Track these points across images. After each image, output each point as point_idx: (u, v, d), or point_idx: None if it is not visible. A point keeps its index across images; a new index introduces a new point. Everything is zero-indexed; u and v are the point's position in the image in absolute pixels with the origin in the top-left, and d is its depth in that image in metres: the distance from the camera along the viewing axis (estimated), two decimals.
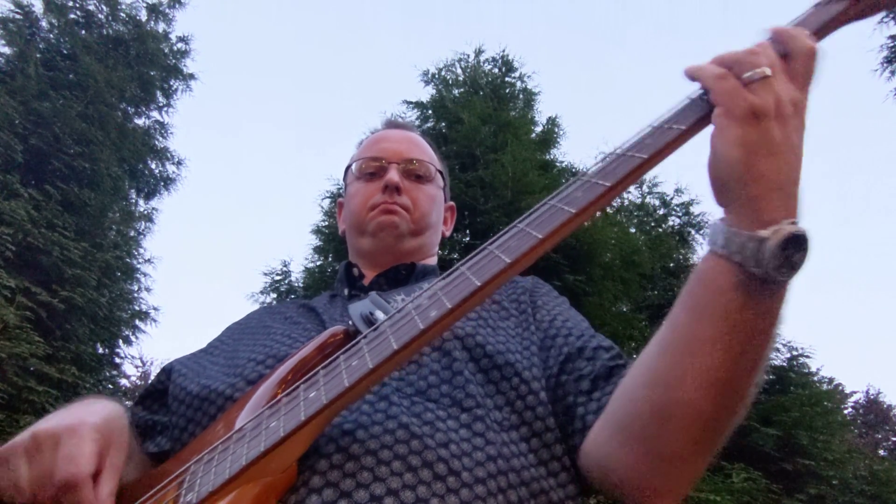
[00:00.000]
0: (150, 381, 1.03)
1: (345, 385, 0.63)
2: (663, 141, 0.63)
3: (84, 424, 0.69)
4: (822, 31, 0.68)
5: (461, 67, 8.11)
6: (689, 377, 0.63)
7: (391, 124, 1.26)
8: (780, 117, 0.61)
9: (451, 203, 1.29)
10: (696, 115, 0.64)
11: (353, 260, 1.15)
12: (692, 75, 0.67)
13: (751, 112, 0.60)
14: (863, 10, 0.69)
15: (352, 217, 1.14)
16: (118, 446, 0.72)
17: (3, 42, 7.70)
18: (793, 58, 0.64)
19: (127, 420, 0.77)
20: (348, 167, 1.19)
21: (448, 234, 1.26)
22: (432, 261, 1.17)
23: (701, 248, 9.75)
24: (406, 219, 1.09)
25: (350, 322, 0.87)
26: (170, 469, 0.73)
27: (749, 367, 0.63)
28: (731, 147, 0.61)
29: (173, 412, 0.90)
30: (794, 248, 0.58)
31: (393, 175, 1.10)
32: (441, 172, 1.20)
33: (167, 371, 0.99)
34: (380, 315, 0.82)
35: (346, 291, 1.07)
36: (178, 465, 0.72)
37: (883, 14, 0.69)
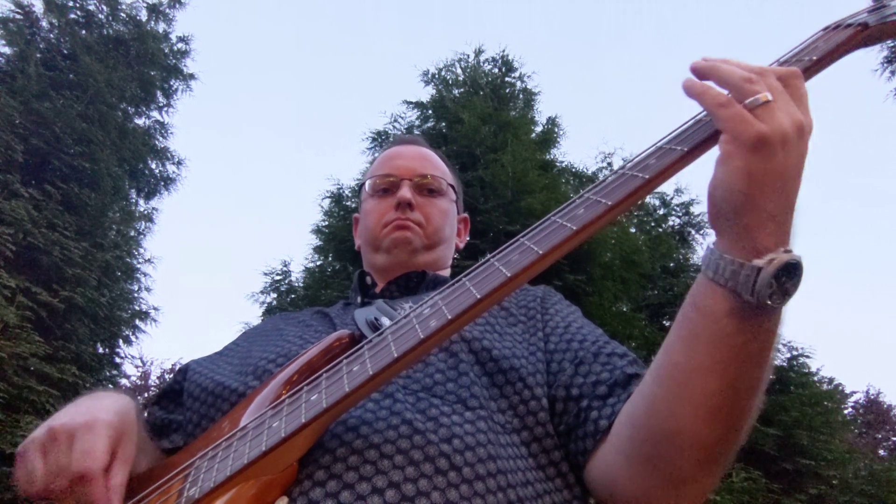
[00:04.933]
0: (167, 382, 1.07)
1: (345, 390, 0.66)
2: (666, 162, 0.63)
3: (98, 420, 0.73)
4: (827, 58, 0.67)
5: (461, 67, 8.11)
6: (687, 406, 0.63)
7: (403, 140, 1.28)
8: (785, 143, 0.58)
9: (465, 215, 1.31)
10: (701, 136, 0.64)
11: (367, 271, 1.17)
12: (693, 94, 0.63)
13: (759, 140, 0.58)
14: (868, 38, 0.68)
15: (366, 233, 1.17)
16: (129, 440, 0.75)
17: (3, 42, 7.69)
18: (786, 82, 0.62)
19: (135, 412, 0.80)
20: (362, 185, 1.22)
21: (462, 245, 1.28)
22: (446, 273, 1.20)
23: (701, 248, 9.76)
24: (419, 234, 1.12)
25: (356, 327, 0.89)
26: (178, 462, 0.76)
27: (746, 391, 0.63)
28: (736, 176, 0.58)
29: (188, 408, 0.93)
30: (788, 276, 0.57)
31: (405, 192, 1.12)
32: (453, 186, 1.22)
33: (183, 371, 1.02)
34: (385, 321, 0.84)
35: (359, 299, 1.09)
36: (185, 458, 0.75)
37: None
